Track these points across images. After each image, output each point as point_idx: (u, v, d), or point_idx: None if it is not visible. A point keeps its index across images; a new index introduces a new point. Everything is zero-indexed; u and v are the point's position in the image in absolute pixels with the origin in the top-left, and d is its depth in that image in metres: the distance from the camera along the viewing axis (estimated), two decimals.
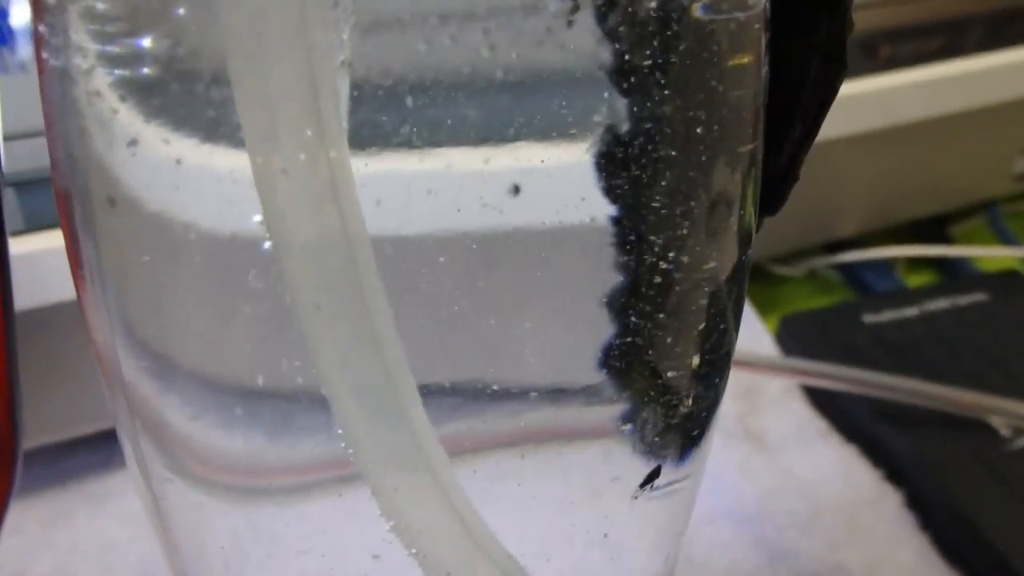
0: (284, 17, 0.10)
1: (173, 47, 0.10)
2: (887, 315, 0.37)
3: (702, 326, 0.12)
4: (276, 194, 0.11)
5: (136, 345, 0.12)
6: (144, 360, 0.12)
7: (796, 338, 0.37)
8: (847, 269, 0.42)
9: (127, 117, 0.10)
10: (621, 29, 0.11)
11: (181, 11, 0.10)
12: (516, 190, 0.10)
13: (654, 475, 0.12)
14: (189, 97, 0.10)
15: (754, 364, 0.33)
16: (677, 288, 0.12)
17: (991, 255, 0.42)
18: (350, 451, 0.12)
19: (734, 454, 0.32)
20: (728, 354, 0.13)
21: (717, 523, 0.30)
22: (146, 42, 0.10)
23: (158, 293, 0.11)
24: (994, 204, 0.45)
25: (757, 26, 0.11)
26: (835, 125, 0.39)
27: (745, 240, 0.13)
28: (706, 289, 0.12)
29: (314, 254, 0.11)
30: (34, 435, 0.29)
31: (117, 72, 0.10)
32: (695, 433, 0.13)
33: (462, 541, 0.13)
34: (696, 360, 0.12)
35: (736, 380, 0.34)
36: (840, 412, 0.34)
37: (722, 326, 0.13)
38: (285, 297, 0.11)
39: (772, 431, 0.33)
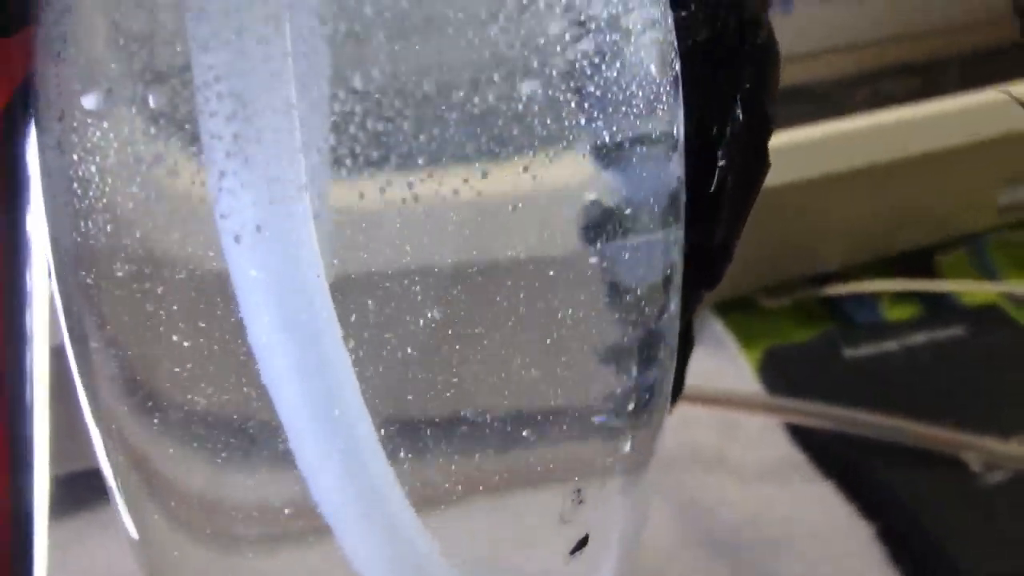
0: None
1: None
2: (866, 349, 0.38)
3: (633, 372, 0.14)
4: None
5: (121, 387, 0.13)
6: (128, 405, 0.13)
7: (778, 371, 0.38)
8: (831, 301, 0.43)
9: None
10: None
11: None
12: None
13: (583, 543, 0.13)
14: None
15: (732, 402, 0.34)
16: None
17: (973, 289, 0.43)
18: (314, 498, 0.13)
19: (713, 484, 0.33)
20: (657, 405, 0.14)
21: (693, 550, 0.31)
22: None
23: (142, 336, 0.12)
24: (979, 237, 0.46)
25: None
26: (819, 164, 0.40)
27: (668, 305, 0.14)
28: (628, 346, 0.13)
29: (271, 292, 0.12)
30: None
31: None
32: (629, 477, 0.14)
33: None
34: (631, 405, 0.14)
35: (716, 413, 0.35)
36: (818, 446, 0.35)
37: (650, 371, 0.14)
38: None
39: (751, 463, 0.34)
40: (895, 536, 0.32)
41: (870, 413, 0.33)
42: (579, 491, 0.13)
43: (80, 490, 0.32)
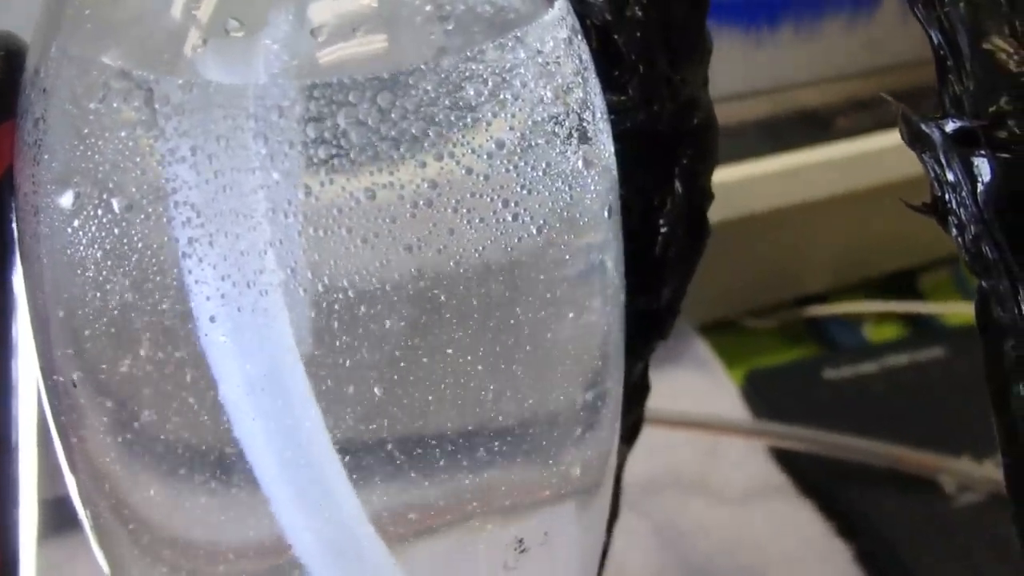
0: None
1: None
2: (846, 371, 0.39)
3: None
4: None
5: (93, 428, 0.14)
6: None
7: (760, 393, 0.39)
8: (816, 322, 0.44)
9: None
10: None
11: None
12: None
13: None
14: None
15: (714, 426, 0.35)
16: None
17: (955, 312, 0.43)
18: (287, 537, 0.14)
19: (691, 505, 0.34)
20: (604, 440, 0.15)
21: (668, 574, 0.32)
22: None
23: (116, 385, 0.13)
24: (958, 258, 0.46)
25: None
26: (802, 191, 0.41)
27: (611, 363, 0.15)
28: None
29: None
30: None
31: None
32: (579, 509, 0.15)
33: None
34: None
35: (698, 434, 0.36)
36: (798, 467, 0.36)
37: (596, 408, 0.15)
38: None
39: (730, 484, 0.35)
40: (872, 558, 0.33)
41: (847, 436, 0.34)
42: (521, 540, 0.14)
43: (71, 511, 0.33)
